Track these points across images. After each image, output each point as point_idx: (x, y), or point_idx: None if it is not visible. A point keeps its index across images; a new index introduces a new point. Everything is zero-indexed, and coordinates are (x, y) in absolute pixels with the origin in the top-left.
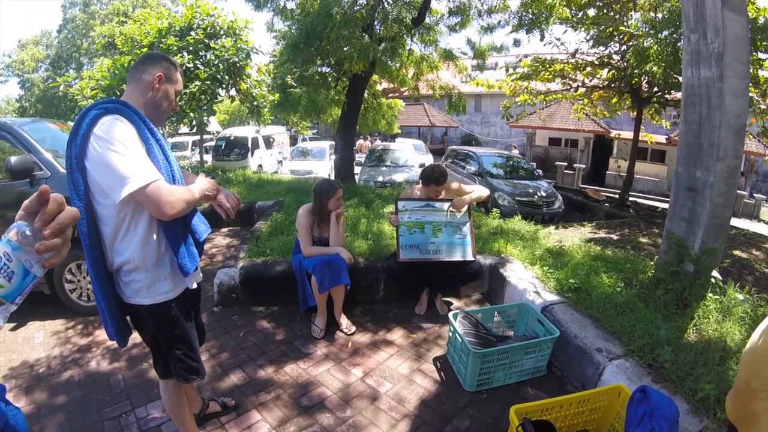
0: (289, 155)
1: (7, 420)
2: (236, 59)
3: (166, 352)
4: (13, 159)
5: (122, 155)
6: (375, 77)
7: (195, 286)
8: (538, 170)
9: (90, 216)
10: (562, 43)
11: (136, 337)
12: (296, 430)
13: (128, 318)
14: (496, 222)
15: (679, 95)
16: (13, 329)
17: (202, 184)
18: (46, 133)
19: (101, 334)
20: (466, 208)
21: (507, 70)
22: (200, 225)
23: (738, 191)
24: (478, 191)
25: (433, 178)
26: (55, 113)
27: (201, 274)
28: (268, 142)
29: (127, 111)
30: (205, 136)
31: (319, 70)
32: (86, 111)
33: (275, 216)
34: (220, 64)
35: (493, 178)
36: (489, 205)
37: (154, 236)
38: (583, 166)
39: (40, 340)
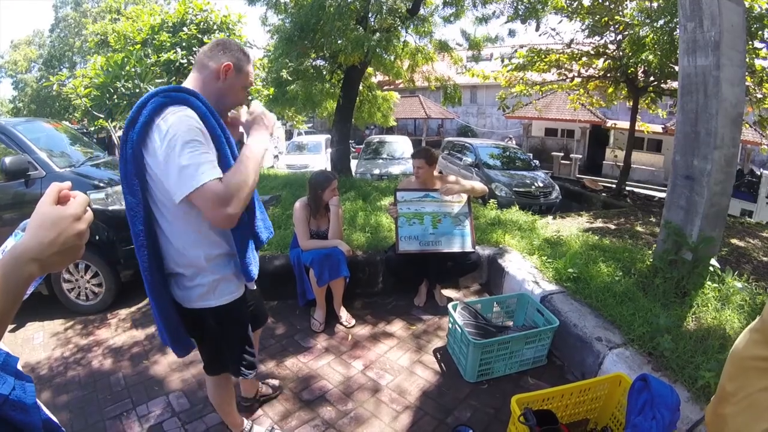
0: (284, 150)
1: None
2: None
3: (227, 352)
4: (7, 159)
5: (184, 154)
6: (370, 70)
7: (254, 286)
8: (534, 161)
9: (146, 215)
10: (557, 33)
11: (135, 335)
12: (298, 424)
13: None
14: (494, 213)
15: (675, 84)
16: (13, 330)
17: (257, 138)
18: (40, 132)
19: (101, 334)
20: (465, 198)
21: (502, 61)
22: (264, 231)
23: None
24: (475, 183)
25: (415, 152)
26: (49, 113)
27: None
28: None
29: (195, 101)
30: None
31: (314, 63)
32: (147, 98)
33: (272, 210)
34: None
35: (490, 169)
36: (486, 197)
37: (219, 236)
38: (580, 156)
39: (40, 341)
